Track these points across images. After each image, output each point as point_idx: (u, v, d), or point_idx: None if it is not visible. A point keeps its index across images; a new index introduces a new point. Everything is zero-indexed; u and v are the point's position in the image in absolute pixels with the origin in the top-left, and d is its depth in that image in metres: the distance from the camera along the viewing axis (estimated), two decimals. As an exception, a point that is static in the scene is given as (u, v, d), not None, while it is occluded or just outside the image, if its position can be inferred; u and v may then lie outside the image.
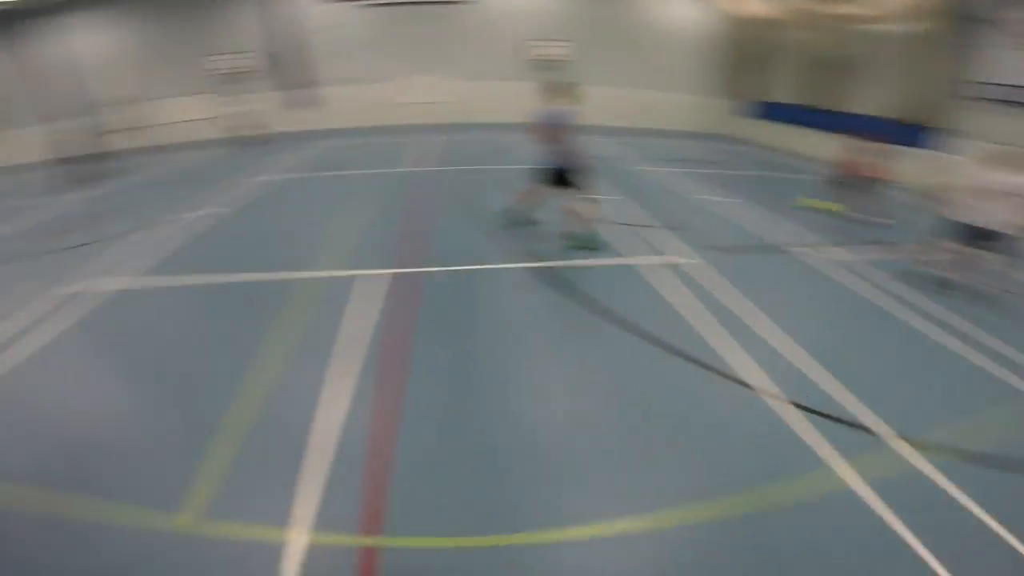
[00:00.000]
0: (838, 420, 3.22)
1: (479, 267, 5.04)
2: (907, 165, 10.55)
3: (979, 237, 4.97)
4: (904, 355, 4.09)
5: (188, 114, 14.11)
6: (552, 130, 5.20)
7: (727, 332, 4.14)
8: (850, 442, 3.01)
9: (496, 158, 10.28)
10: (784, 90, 14.91)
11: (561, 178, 5.38)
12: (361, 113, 14.33)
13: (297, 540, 2.22)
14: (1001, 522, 2.49)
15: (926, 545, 2.36)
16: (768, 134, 15.26)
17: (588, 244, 5.53)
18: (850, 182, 7.54)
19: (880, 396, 3.44)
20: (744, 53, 15.82)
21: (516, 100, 15.09)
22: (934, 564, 2.27)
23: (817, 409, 3.29)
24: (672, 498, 2.61)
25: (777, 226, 6.96)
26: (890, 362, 3.98)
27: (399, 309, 4.20)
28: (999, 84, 9.94)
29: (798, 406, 3.31)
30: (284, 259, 5.27)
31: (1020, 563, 2.31)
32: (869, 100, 12.44)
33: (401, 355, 3.63)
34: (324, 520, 2.33)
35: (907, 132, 10.95)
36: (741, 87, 16.21)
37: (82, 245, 5.82)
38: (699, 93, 17.54)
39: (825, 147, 10.15)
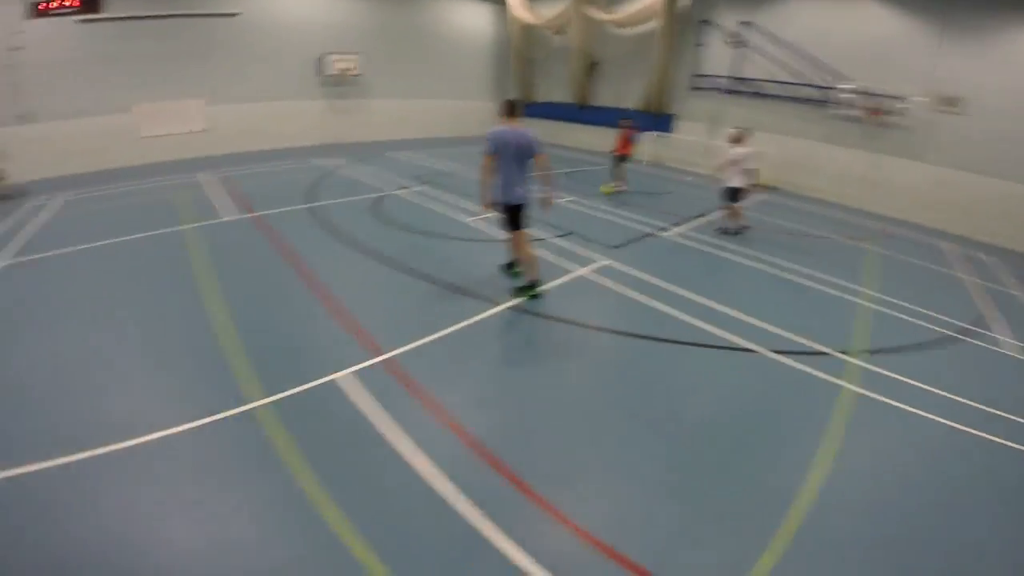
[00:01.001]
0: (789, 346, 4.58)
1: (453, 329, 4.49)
2: (658, 146, 14.05)
3: (735, 196, 7.81)
4: (751, 281, 6.30)
5: None
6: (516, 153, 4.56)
7: (668, 305, 5.20)
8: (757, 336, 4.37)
9: (332, 190, 9.03)
10: (555, 90, 17.52)
11: (512, 215, 4.75)
12: (94, 154, 10.50)
13: None
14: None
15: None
16: (547, 131, 17.78)
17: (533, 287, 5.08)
18: (623, 163, 9.89)
19: (760, 311, 5.27)
20: (522, 57, 17.88)
21: (304, 121, 14.05)
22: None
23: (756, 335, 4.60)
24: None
25: (627, 219, 8.59)
26: (743, 288, 6.06)
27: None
28: (712, 75, 13.88)
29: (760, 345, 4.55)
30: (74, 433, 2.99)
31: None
32: (621, 95, 15.71)
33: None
34: None
35: (651, 119, 14.36)
36: (524, 90, 18.33)
37: None
38: (488, 98, 19.14)
39: (591, 139, 11.99)
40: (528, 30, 17.14)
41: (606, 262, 6.39)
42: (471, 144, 15.91)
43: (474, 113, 18.68)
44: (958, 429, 3.79)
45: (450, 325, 4.46)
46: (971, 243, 10.25)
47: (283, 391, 3.42)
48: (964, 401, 4.15)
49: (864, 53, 11.69)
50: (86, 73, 10.31)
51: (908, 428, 3.80)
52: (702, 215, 9.22)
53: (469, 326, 4.50)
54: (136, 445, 2.85)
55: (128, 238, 6.17)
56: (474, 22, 17.53)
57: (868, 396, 4.09)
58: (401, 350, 4.02)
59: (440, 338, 4.26)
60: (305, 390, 3.45)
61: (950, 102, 11.00)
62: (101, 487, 2.57)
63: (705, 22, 13.75)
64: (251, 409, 3.22)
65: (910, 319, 5.80)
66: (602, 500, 2.85)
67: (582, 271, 6.03)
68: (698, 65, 14.15)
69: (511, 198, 4.62)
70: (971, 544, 2.76)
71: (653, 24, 13.99)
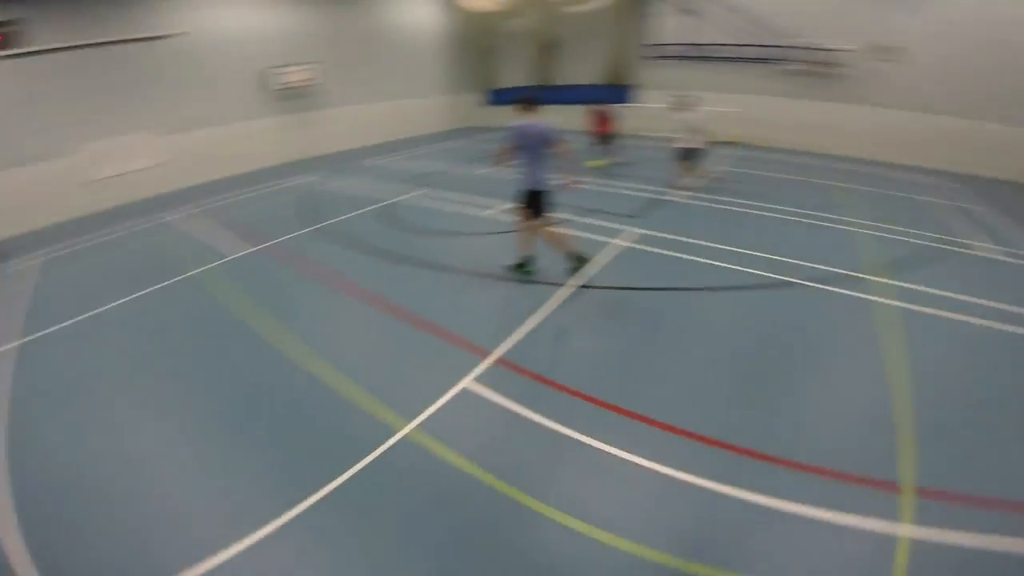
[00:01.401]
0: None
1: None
2: (625, 117, 14.59)
3: (689, 156, 8.45)
4: (761, 226, 7.13)
5: None
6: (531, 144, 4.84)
7: (705, 258, 5.76)
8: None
9: (329, 207, 8.61)
10: (516, 75, 17.77)
11: (535, 200, 5.02)
12: (44, 206, 9.30)
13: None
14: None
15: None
16: (512, 117, 18.09)
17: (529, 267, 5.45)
18: (602, 140, 10.35)
19: (780, 249, 6.05)
20: (479, 46, 18.00)
21: (265, 140, 13.61)
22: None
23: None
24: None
25: (629, 189, 9.10)
26: (758, 233, 6.81)
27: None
28: (667, 44, 14.54)
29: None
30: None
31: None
32: (582, 71, 16.16)
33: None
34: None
35: (614, 92, 14.93)
36: (481, 79, 18.49)
37: None
38: (450, 92, 19.10)
39: (558, 119, 12.20)
40: (479, 18, 17.27)
41: (635, 230, 6.87)
42: (445, 140, 16.07)
43: (439, 109, 18.70)
44: (997, 328, 4.50)
45: (534, 313, 4.71)
46: (921, 171, 11.46)
47: (422, 412, 3.41)
48: (989, 304, 4.90)
49: (806, 10, 12.62)
50: (18, 116, 9.30)
51: (946, 329, 4.51)
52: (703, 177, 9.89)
53: (551, 311, 4.79)
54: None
55: (140, 294, 5.60)
56: (424, 17, 17.42)
57: (907, 308, 4.79)
58: (506, 347, 4.17)
59: (533, 328, 4.48)
60: (441, 406, 3.48)
61: (887, 50, 12.14)
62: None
63: None
64: (404, 436, 3.21)
65: (904, 239, 6.64)
66: (714, 414, 3.30)
67: (619, 242, 6.48)
68: (653, 35, 14.78)
69: (534, 185, 4.95)
70: (954, 388, 3.60)
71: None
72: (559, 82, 16.91)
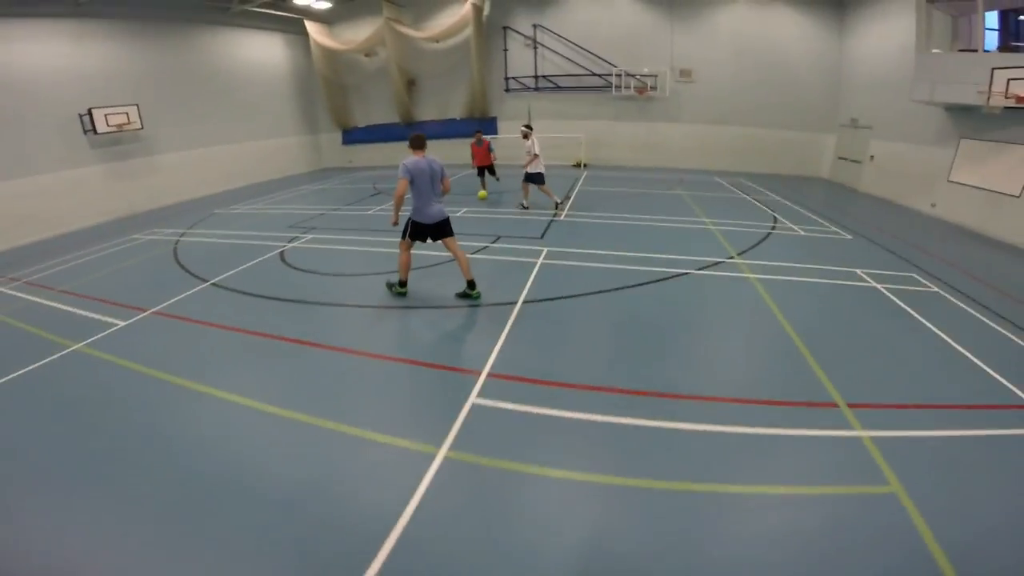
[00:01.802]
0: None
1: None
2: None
3: (536, 180, 9.55)
4: (639, 232, 8.30)
5: None
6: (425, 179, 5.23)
7: (614, 263, 6.69)
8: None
9: (217, 261, 7.28)
10: (376, 112, 17.67)
11: (432, 228, 5.40)
12: None
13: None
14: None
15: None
16: (378, 155, 17.88)
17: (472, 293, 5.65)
18: (484, 171, 11.12)
19: (664, 248, 7.10)
20: (338, 84, 17.41)
21: (82, 194, 11.29)
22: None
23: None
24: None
25: (521, 214, 9.91)
26: (638, 238, 7.96)
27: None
28: (519, 77, 15.92)
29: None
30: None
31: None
32: (444, 107, 16.82)
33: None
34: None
35: (477, 125, 15.89)
36: (339, 116, 17.93)
37: None
38: (304, 132, 18.04)
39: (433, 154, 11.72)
40: (334, 56, 16.92)
41: (546, 249, 7.53)
42: (309, 182, 15.20)
43: (293, 150, 17.62)
44: (831, 282, 6.11)
45: (501, 330, 4.93)
46: (727, 174, 14.46)
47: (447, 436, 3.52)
48: (820, 267, 6.58)
49: (624, 42, 15.09)
50: None
51: (804, 288, 5.97)
52: (568, 197, 11.11)
53: (510, 327, 5.04)
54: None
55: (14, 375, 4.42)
56: (268, 54, 16.41)
57: (768, 278, 6.19)
58: (490, 362, 4.36)
59: (503, 342, 4.67)
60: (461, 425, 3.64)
61: (685, 74, 15.11)
62: None
63: (507, 28, 15.73)
64: (446, 457, 3.23)
65: (743, 229, 8.45)
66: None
67: (537, 260, 7.04)
68: (507, 69, 16.15)
69: (435, 216, 5.40)
70: (866, 330, 4.88)
71: (464, 35, 15.34)
72: (421, 118, 17.30)
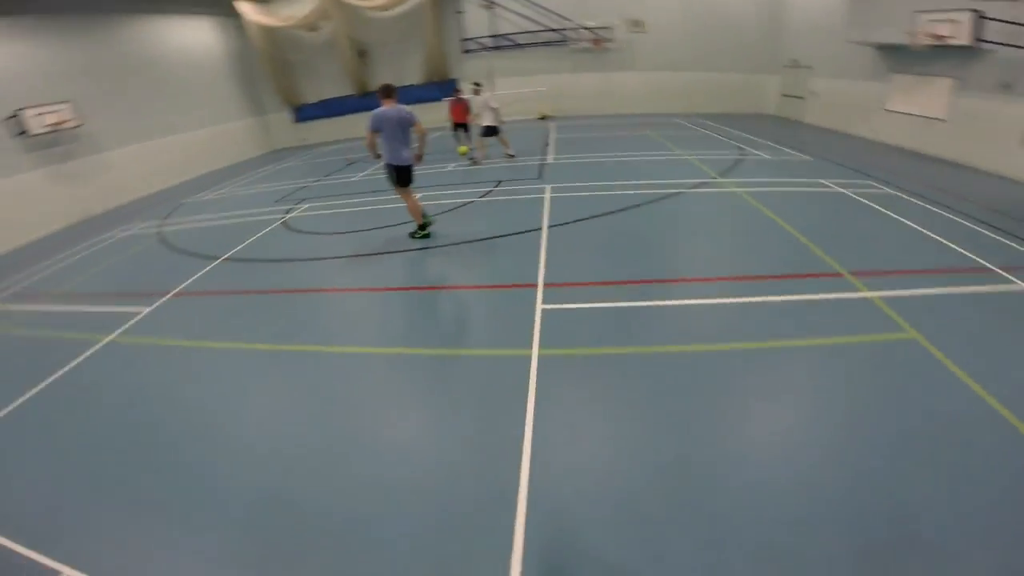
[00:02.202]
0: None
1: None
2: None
3: (489, 133, 9.98)
4: (623, 166, 8.80)
5: None
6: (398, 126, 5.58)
7: (617, 191, 7.30)
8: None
9: (219, 239, 7.19)
10: (329, 87, 17.11)
11: (401, 174, 5.83)
12: None
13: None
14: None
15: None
16: (336, 129, 17.43)
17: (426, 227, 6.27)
18: (461, 127, 11.28)
19: (651, 176, 7.79)
20: (282, 61, 16.64)
21: (25, 202, 10.23)
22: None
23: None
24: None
25: (511, 162, 10.29)
26: (626, 170, 8.51)
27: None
28: (477, 38, 15.88)
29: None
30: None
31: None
32: (401, 73, 16.51)
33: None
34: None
35: (437, 89, 15.89)
36: (286, 95, 17.24)
37: None
38: (253, 114, 17.27)
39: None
40: (274, 33, 16.15)
41: (548, 186, 8.02)
42: (272, 163, 14.75)
43: (245, 133, 16.86)
44: (805, 190, 6.99)
45: (539, 249, 5.45)
46: (684, 115, 15.30)
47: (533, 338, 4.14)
48: (791, 179, 7.46)
49: None
50: None
51: (784, 195, 6.81)
52: (546, 145, 11.58)
53: (547, 247, 5.57)
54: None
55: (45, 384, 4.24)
56: (199, 38, 15.39)
57: (753, 191, 6.99)
58: (541, 275, 4.92)
59: (545, 259, 5.25)
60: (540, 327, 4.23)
61: (637, 24, 15.64)
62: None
63: None
64: (541, 356, 3.86)
65: (716, 157, 9.28)
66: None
67: (544, 196, 7.52)
68: (463, 30, 16.05)
69: (397, 160, 5.78)
70: (847, 221, 5.78)
71: (414, 1, 15.10)
72: (377, 87, 16.88)
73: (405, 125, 5.66)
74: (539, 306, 4.38)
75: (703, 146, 10.46)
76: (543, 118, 16.48)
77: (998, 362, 3.24)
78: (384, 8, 15.49)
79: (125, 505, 2.77)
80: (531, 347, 3.80)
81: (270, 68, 16.48)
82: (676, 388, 3.27)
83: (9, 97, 10.16)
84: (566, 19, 15.52)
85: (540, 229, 6.16)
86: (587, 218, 6.44)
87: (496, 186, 8.38)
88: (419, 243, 6.23)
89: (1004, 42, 7.54)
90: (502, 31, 16.00)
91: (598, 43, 15.72)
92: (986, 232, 5.31)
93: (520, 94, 15.91)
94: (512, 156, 10.26)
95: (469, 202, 7.67)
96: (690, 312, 4.16)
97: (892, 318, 3.81)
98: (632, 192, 7.31)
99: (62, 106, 10.91)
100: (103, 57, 12.39)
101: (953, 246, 5.03)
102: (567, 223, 6.32)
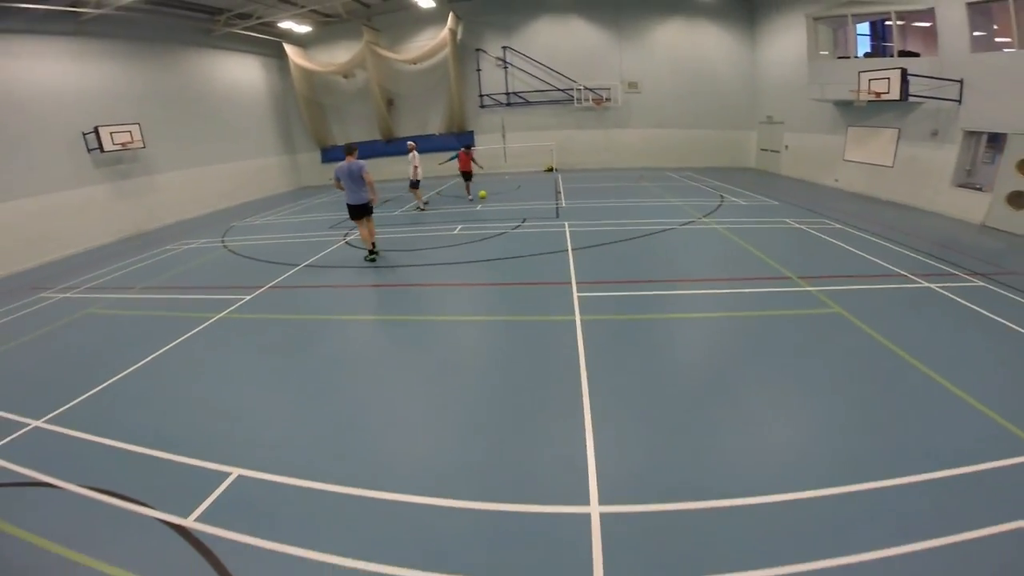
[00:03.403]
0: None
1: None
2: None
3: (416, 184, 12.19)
4: (631, 209, 10.75)
5: None
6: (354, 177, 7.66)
7: (620, 224, 9.28)
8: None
9: (288, 253, 8.63)
10: (357, 130, 19.41)
11: (356, 210, 7.90)
12: None
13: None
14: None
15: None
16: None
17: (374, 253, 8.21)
18: (469, 176, 13.33)
19: (653, 217, 9.77)
20: (317, 104, 19.02)
21: (91, 213, 11.89)
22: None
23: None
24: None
25: (529, 204, 12.29)
26: (635, 213, 10.47)
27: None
28: (493, 94, 18.40)
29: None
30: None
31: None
32: (424, 123, 18.95)
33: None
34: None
35: (457, 139, 18.25)
36: (319, 136, 19.56)
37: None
38: (287, 152, 19.43)
39: (406, 168, 12.75)
40: (312, 77, 18.61)
41: (566, 222, 9.99)
42: (294, 199, 16.74)
43: (270, 170, 18.99)
44: (771, 227, 9.00)
45: (567, 264, 7.33)
46: (674, 169, 17.72)
47: (574, 310, 5.95)
48: (761, 219, 9.50)
49: (581, 60, 18.08)
50: None
51: (754, 230, 8.80)
52: (558, 192, 13.76)
53: (576, 258, 7.43)
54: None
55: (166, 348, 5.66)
56: (247, 76, 17.77)
57: (729, 227, 9.00)
58: (574, 277, 6.74)
59: (574, 267, 7.12)
60: (580, 307, 6.04)
61: (633, 85, 18.32)
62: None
63: (479, 50, 18.28)
64: (581, 321, 5.64)
65: (700, 203, 11.42)
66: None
67: (564, 230, 9.47)
68: (481, 86, 18.65)
69: (356, 200, 7.87)
70: (800, 247, 7.73)
71: (440, 57, 17.67)
72: (401, 134, 19.11)
73: (356, 175, 7.69)
74: (575, 293, 6.19)
75: (691, 194, 12.68)
76: (549, 170, 18.84)
77: (894, 323, 5.06)
78: (413, 62, 18.03)
79: (266, 409, 4.38)
80: (575, 315, 5.57)
81: (307, 109, 18.83)
82: (676, 337, 5.07)
83: (87, 114, 11.95)
84: (571, 80, 18.15)
85: (566, 250, 8.07)
86: (600, 244, 8.38)
87: (523, 222, 10.35)
88: (476, 255, 8.12)
89: (929, 95, 9.79)
90: (515, 89, 18.59)
91: (599, 102, 18.32)
92: (906, 252, 7.30)
93: (530, 147, 18.34)
94: (423, 208, 12.28)
95: (503, 232, 9.58)
96: (682, 298, 6.02)
97: (825, 301, 5.65)
98: (634, 227, 9.31)
99: (132, 127, 12.64)
100: (166, 84, 14.42)
101: (878, 260, 6.97)
102: (585, 247, 8.24)
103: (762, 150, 17.67)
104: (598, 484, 3.02)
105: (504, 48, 18.26)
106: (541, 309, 5.93)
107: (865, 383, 4.04)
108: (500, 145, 19.14)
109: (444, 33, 17.10)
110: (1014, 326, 4.83)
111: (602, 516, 2.76)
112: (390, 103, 19.01)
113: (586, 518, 2.76)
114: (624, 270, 7.09)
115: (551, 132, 18.84)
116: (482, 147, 18.65)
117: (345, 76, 18.70)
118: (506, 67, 18.45)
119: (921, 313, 5.33)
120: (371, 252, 8.26)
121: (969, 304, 5.41)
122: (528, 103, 18.73)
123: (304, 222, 12.55)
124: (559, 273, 7.02)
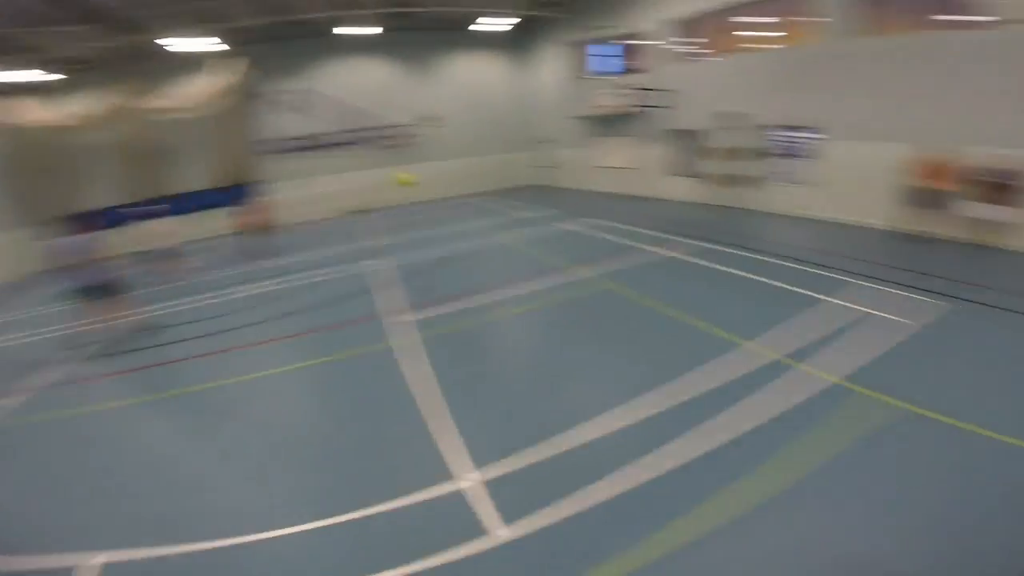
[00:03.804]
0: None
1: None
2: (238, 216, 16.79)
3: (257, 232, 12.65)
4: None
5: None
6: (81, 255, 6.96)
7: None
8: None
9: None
10: (102, 194, 15.98)
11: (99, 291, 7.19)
12: None
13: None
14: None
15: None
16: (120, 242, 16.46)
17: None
18: (262, 231, 12.70)
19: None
20: (35, 168, 15.20)
21: None
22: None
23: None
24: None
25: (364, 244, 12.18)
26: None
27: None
28: (285, 139, 17.34)
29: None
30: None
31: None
32: (194, 177, 16.72)
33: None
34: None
35: (237, 192, 16.62)
36: (39, 207, 15.62)
37: None
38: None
39: (180, 229, 12.49)
40: (33, 135, 15.11)
41: (371, 260, 10.22)
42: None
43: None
44: (543, 230, 10.60)
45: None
46: (476, 195, 19.28)
47: None
48: (536, 226, 11.11)
49: (379, 96, 18.53)
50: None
51: (531, 235, 10.28)
52: (364, 234, 13.86)
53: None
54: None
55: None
56: None
57: (516, 234, 10.36)
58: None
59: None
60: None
61: (431, 120, 19.31)
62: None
63: (266, 92, 17.08)
64: None
65: (492, 222, 12.87)
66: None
67: (370, 266, 9.69)
68: (268, 131, 17.37)
69: (90, 281, 7.16)
70: (551, 243, 9.36)
71: (217, 104, 16.02)
72: (166, 192, 16.39)
73: (85, 252, 7.07)
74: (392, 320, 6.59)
75: (483, 215, 14.11)
76: (360, 212, 18.42)
77: (649, 287, 6.54)
78: (188, 112, 15.84)
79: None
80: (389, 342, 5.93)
81: (21, 173, 15.00)
82: (497, 333, 5.77)
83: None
84: (372, 118, 18.30)
85: (370, 290, 8.45)
86: (409, 274, 8.98)
87: (325, 268, 10.32)
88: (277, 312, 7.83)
89: (652, 104, 13.04)
90: (311, 131, 17.94)
91: (399, 139, 18.82)
92: (639, 229, 9.51)
93: (332, 192, 17.97)
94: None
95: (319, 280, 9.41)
96: (492, 304, 6.89)
97: (598, 280, 7.02)
98: (435, 253, 10.32)
99: None
100: None
101: (618, 240, 9.03)
102: (396, 280, 8.73)
103: (537, 167, 20.41)
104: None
105: (302, 89, 17.61)
106: (360, 342, 6.20)
107: (646, 332, 5.45)
108: (300, 192, 18.25)
109: (222, 78, 15.73)
110: (730, 270, 6.83)
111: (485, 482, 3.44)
112: (145, 158, 16.41)
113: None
114: (435, 292, 7.84)
115: (353, 174, 18.74)
116: (278, 196, 17.54)
117: (81, 130, 15.51)
118: (300, 109, 17.72)
119: (670, 275, 7.10)
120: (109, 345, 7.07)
121: (700, 262, 7.47)
122: (328, 145, 18.29)
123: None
124: (378, 305, 7.34)
